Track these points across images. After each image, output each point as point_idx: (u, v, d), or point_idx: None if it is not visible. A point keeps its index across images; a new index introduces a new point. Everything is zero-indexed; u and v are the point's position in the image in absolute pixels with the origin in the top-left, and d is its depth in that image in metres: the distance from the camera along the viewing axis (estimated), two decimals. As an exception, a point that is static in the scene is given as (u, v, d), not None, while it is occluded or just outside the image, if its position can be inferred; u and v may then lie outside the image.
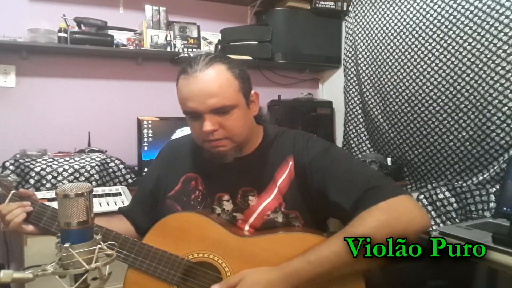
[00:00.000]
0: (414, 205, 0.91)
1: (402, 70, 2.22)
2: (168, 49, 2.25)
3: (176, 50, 2.27)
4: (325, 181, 0.98)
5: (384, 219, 0.87)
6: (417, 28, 2.13)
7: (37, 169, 1.77)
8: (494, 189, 1.79)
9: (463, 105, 1.95)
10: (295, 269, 0.89)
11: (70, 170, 1.81)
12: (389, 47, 2.30)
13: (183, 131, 2.20)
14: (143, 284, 1.00)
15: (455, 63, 1.96)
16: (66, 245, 0.64)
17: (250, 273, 0.91)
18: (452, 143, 2.03)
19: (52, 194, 1.67)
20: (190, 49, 2.31)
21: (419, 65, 2.13)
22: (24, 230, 1.01)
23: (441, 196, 1.83)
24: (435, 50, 2.05)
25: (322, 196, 0.99)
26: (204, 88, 0.94)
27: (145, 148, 2.16)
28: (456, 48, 1.96)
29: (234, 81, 0.98)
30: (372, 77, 2.45)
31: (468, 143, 1.96)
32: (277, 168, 1.04)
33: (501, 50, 1.78)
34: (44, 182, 1.76)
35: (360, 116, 2.62)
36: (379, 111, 2.43)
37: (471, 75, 1.90)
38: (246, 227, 1.03)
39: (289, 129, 1.14)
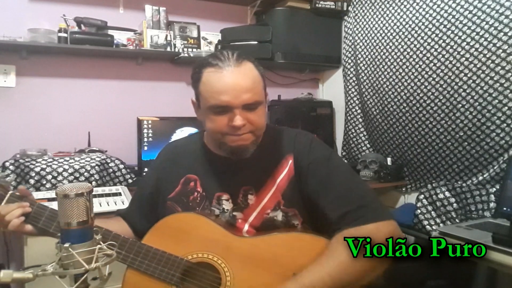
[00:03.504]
0: (396, 230, 0.96)
1: (400, 70, 2.22)
2: (168, 49, 2.25)
3: (176, 50, 2.27)
4: (319, 188, 1.00)
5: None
6: (416, 28, 2.13)
7: (37, 169, 1.77)
8: (494, 189, 1.79)
9: (460, 105, 1.95)
10: None
11: (70, 170, 1.81)
12: (388, 46, 2.30)
13: (183, 131, 2.20)
14: (142, 284, 1.00)
15: (453, 62, 1.97)
16: (66, 245, 0.64)
17: None
18: (449, 143, 2.03)
19: (52, 194, 1.67)
20: (190, 49, 2.31)
21: (418, 65, 2.13)
22: (23, 229, 1.00)
23: (441, 196, 1.84)
24: (433, 50, 2.05)
25: (313, 201, 1.00)
26: (240, 83, 0.95)
27: (145, 148, 2.16)
28: (454, 47, 1.96)
29: (261, 79, 1.02)
30: (370, 77, 2.45)
31: (466, 143, 1.96)
32: (276, 166, 1.05)
33: (501, 50, 1.78)
34: (44, 182, 1.76)
35: (359, 116, 2.62)
36: (377, 111, 2.43)
37: (468, 75, 1.90)
38: (246, 226, 1.03)
39: (289, 128, 1.14)
